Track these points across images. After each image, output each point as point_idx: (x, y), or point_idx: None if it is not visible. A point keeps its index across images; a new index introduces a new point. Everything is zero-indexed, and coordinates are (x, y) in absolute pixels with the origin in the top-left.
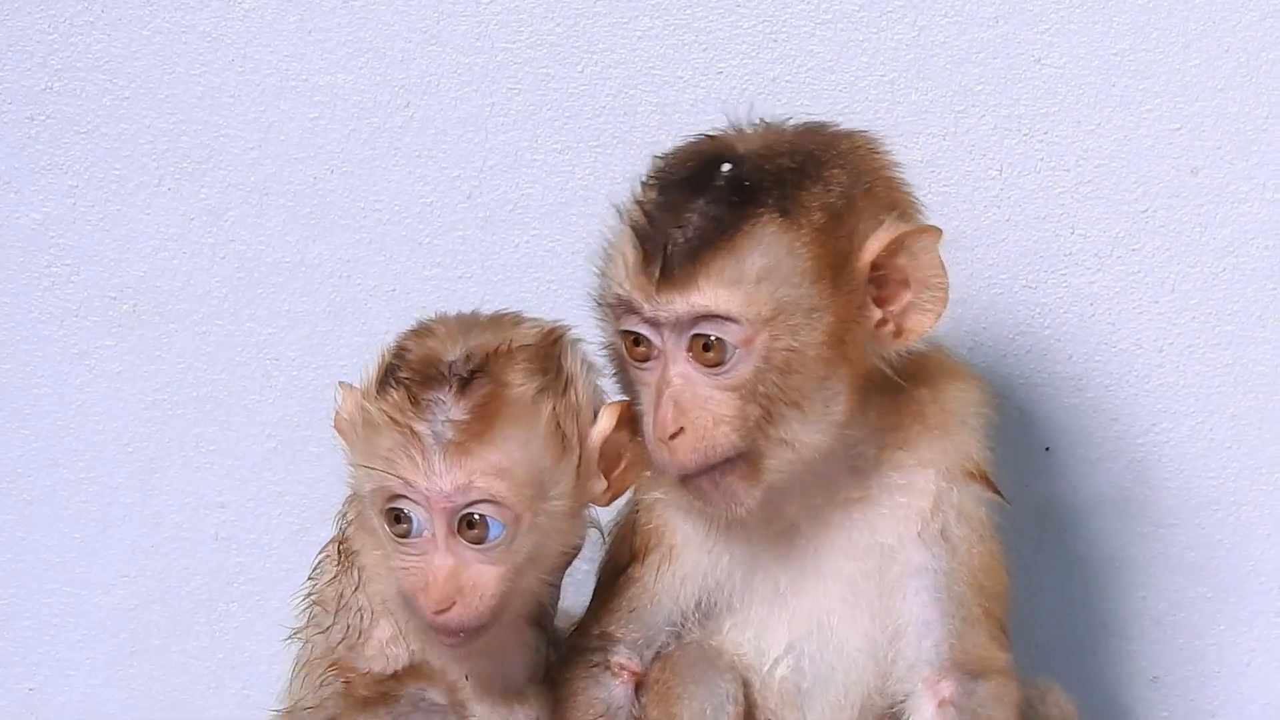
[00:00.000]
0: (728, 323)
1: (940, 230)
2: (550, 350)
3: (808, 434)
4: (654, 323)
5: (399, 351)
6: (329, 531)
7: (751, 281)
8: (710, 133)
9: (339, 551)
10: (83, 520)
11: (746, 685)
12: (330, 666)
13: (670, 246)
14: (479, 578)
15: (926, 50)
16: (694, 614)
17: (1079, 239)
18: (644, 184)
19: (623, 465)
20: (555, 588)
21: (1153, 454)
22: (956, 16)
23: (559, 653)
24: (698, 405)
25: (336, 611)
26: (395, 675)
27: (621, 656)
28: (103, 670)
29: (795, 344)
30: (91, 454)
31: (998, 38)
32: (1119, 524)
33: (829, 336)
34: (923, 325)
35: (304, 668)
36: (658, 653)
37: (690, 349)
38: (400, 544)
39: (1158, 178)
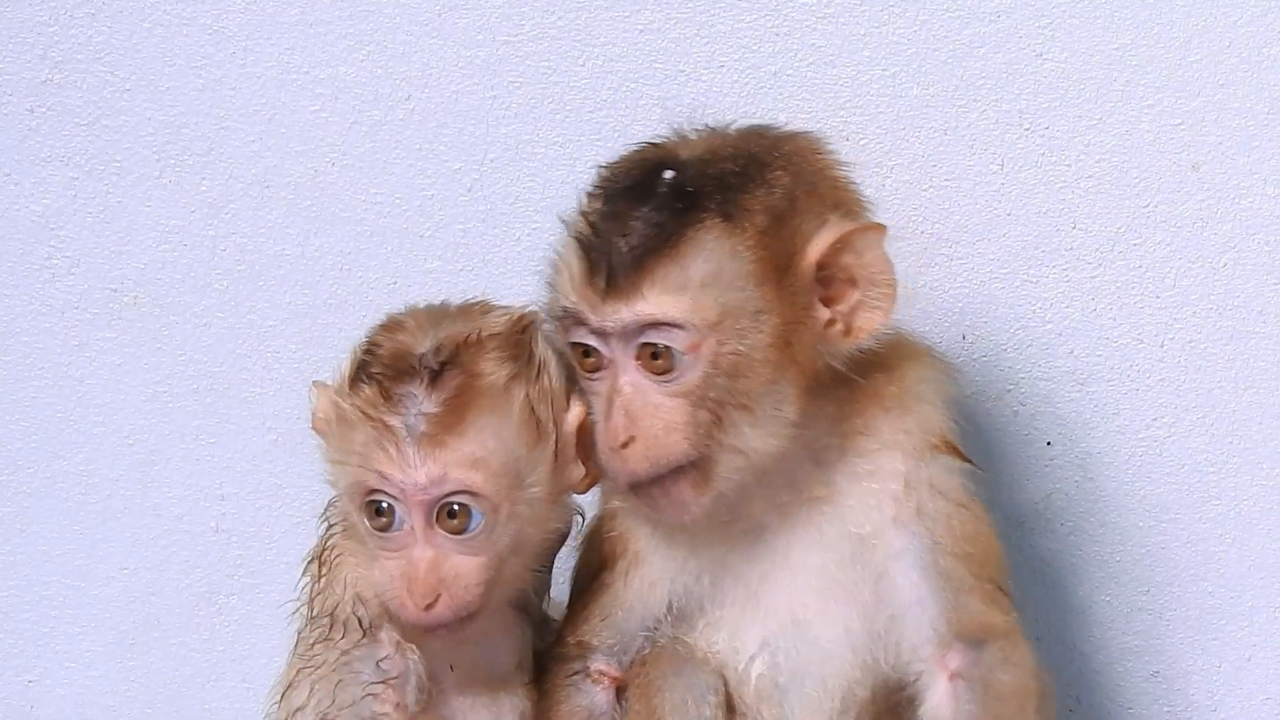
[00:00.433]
0: (674, 330)
1: (885, 227)
2: (520, 337)
3: (759, 438)
4: (601, 333)
5: (370, 347)
6: None
7: (696, 287)
8: (653, 140)
9: (318, 563)
10: (82, 513)
11: (726, 681)
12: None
13: (614, 256)
14: (461, 568)
15: (928, 45)
16: (667, 617)
17: (1080, 234)
18: (589, 194)
19: None
20: (544, 574)
21: (1154, 449)
22: (958, 11)
23: (548, 640)
24: (648, 413)
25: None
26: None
27: (600, 663)
28: (102, 662)
29: (742, 348)
30: (91, 446)
31: (999, 32)
32: (1120, 519)
33: (776, 339)
34: (872, 323)
35: (310, 672)
36: (635, 656)
37: (639, 358)
38: (381, 539)
39: (1159, 173)
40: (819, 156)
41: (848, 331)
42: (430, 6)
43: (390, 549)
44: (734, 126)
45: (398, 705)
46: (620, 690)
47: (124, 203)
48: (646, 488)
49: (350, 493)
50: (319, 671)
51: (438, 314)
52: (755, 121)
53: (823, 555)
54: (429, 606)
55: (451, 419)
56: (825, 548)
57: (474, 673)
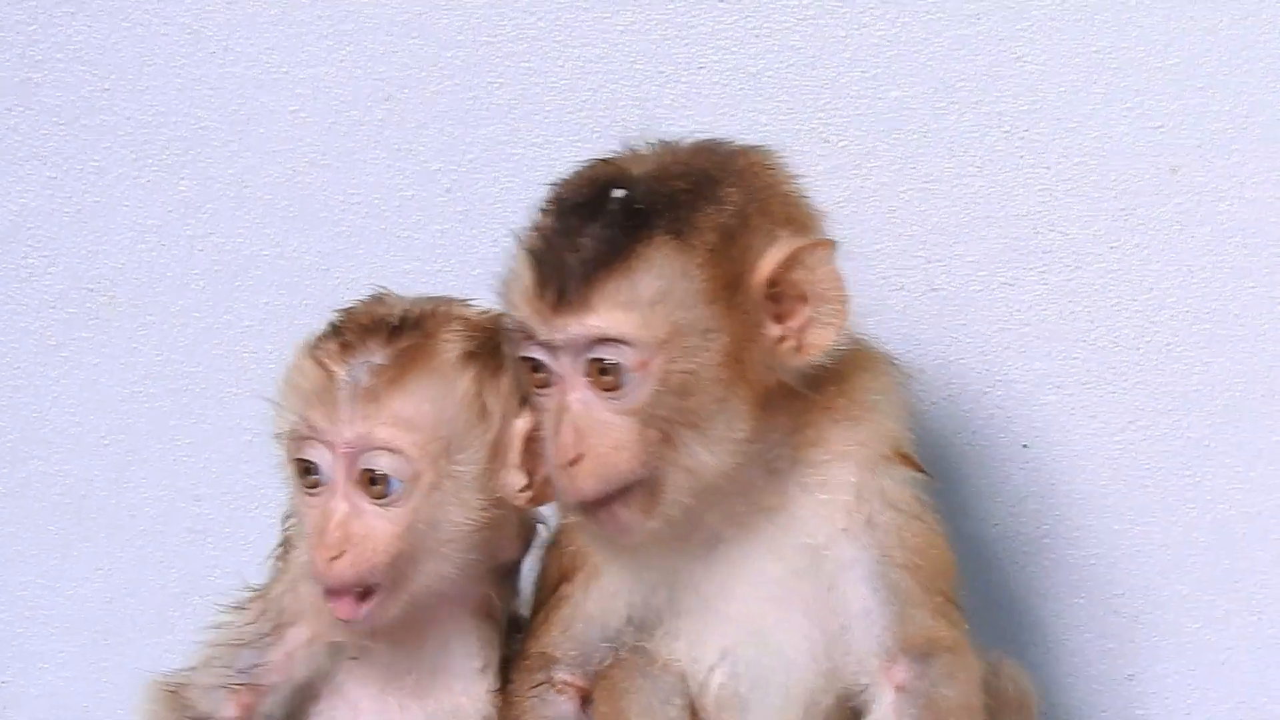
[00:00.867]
0: (623, 346)
1: (835, 243)
2: (491, 330)
3: (709, 456)
4: (550, 347)
5: (348, 310)
6: None
7: (645, 305)
8: (605, 156)
9: (283, 549)
10: (58, 513)
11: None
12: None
13: (565, 270)
14: (371, 530)
15: (907, 47)
16: (628, 628)
17: (1058, 236)
18: (541, 210)
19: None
20: (510, 581)
21: (1130, 451)
22: (937, 13)
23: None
24: (596, 431)
25: (253, 599)
26: None
27: (564, 674)
28: (76, 663)
29: (692, 366)
30: (67, 446)
31: (978, 35)
32: (1095, 521)
33: (726, 357)
34: (824, 339)
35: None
36: (599, 666)
37: (588, 374)
38: (307, 495)
39: (1137, 176)
40: (771, 172)
41: (800, 348)
42: (410, 7)
43: (313, 504)
44: (687, 142)
45: (246, 707)
46: (585, 699)
47: (101, 202)
48: (593, 509)
49: (284, 444)
50: (212, 634)
51: (421, 296)
52: (708, 137)
53: (779, 565)
54: (334, 559)
55: (394, 373)
56: (780, 558)
57: (434, 678)
